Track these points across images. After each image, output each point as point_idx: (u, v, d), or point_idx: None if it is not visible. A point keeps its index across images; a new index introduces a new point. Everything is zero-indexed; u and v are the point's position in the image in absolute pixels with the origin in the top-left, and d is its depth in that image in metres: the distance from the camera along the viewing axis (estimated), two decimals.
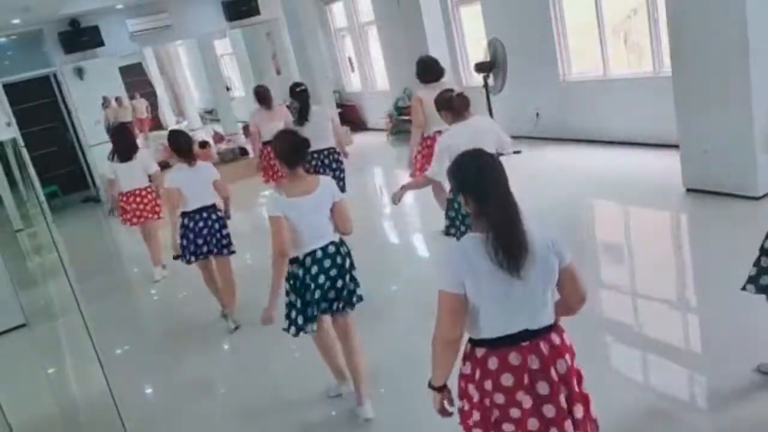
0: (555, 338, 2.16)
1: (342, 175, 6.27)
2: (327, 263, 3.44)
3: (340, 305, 3.53)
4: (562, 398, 2.13)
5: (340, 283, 3.50)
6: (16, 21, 10.02)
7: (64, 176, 12.22)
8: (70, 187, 12.25)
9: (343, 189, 6.22)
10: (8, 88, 10.85)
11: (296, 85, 6.40)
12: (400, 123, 10.76)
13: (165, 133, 13.87)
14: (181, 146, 4.89)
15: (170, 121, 15.61)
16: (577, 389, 2.17)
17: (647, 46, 7.17)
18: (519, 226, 2.05)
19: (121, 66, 13.66)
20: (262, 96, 7.15)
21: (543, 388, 2.11)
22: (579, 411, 2.16)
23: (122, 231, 9.52)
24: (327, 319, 3.59)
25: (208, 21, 12.35)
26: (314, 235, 3.40)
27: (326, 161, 6.16)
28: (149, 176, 6.52)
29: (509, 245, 2.02)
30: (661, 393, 3.34)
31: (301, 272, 3.43)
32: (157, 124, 14.74)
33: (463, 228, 4.15)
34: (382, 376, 3.83)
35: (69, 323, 6.06)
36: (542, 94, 8.57)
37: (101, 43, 11.22)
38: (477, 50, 9.24)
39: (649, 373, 3.62)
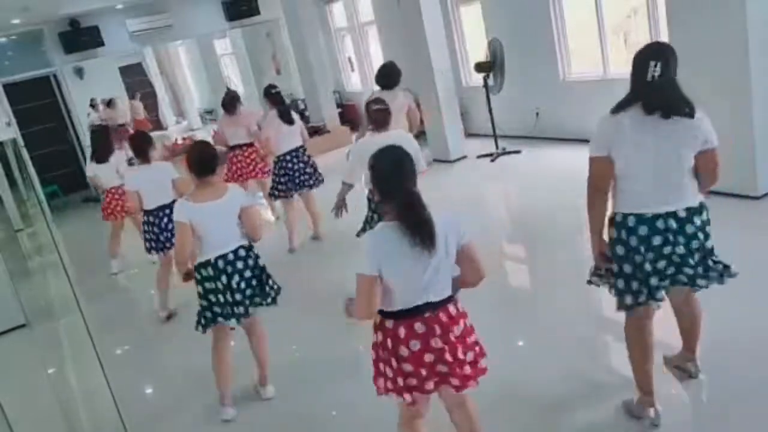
0: (452, 309, 2.54)
1: (314, 168, 6.56)
2: (240, 265, 3.66)
3: (256, 300, 3.76)
4: (459, 351, 2.52)
5: (255, 282, 3.73)
6: (16, 21, 10.03)
7: (64, 176, 12.21)
8: (70, 187, 12.24)
9: (319, 180, 6.56)
10: (8, 88, 10.85)
11: (271, 87, 6.60)
12: None
13: (164, 133, 13.95)
14: (139, 147, 5.28)
15: (170, 121, 15.64)
16: (469, 341, 2.58)
17: None
18: (424, 212, 2.38)
19: (121, 66, 13.67)
20: (225, 102, 7.29)
21: (445, 348, 2.50)
22: (470, 355, 2.57)
23: (123, 231, 9.53)
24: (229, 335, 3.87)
25: (208, 21, 12.36)
26: (223, 239, 3.62)
27: (297, 158, 6.44)
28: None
29: (420, 228, 2.36)
30: (660, 392, 3.34)
31: (212, 273, 3.61)
32: (157, 124, 14.74)
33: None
34: None
35: (69, 323, 6.06)
36: (542, 94, 8.57)
37: (101, 43, 11.23)
38: (477, 50, 9.25)
39: None
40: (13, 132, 10.07)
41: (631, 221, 2.86)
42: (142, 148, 5.27)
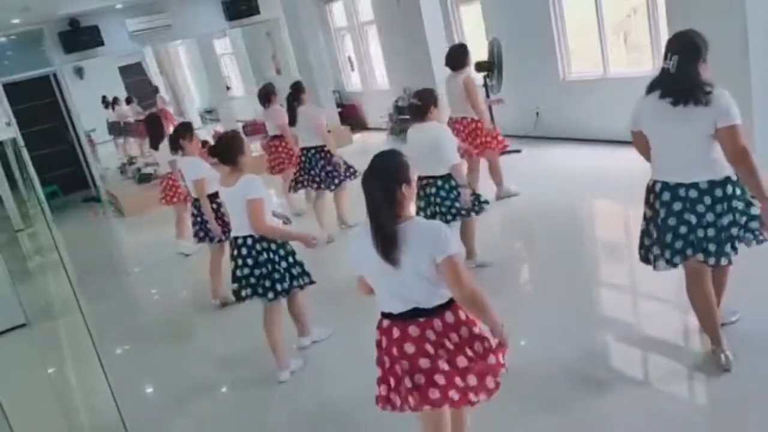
0: (449, 316, 2.47)
1: (328, 172, 6.46)
2: (244, 251, 3.89)
3: (259, 291, 3.91)
4: (461, 359, 2.45)
5: (257, 273, 3.88)
6: (15, 21, 10.03)
7: (64, 176, 12.22)
8: (70, 187, 12.25)
9: (334, 183, 6.45)
10: (8, 88, 10.85)
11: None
12: (401, 122, 10.74)
13: None
14: (173, 137, 5.68)
15: None
16: (470, 352, 2.47)
17: (647, 45, 7.18)
18: (385, 223, 2.37)
19: (120, 66, 13.66)
20: (259, 96, 7.51)
21: (441, 354, 2.44)
22: (462, 361, 2.46)
23: (122, 230, 9.56)
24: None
25: (208, 21, 12.36)
26: (236, 224, 3.94)
27: (314, 159, 6.46)
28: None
29: (377, 238, 2.37)
30: (660, 391, 3.34)
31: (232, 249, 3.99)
32: None
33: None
34: None
35: (69, 323, 6.06)
36: (542, 93, 8.57)
37: (101, 43, 11.23)
38: (477, 50, 9.23)
39: (649, 371, 3.63)
40: (13, 132, 10.07)
41: (657, 187, 3.15)
42: (175, 137, 5.58)
